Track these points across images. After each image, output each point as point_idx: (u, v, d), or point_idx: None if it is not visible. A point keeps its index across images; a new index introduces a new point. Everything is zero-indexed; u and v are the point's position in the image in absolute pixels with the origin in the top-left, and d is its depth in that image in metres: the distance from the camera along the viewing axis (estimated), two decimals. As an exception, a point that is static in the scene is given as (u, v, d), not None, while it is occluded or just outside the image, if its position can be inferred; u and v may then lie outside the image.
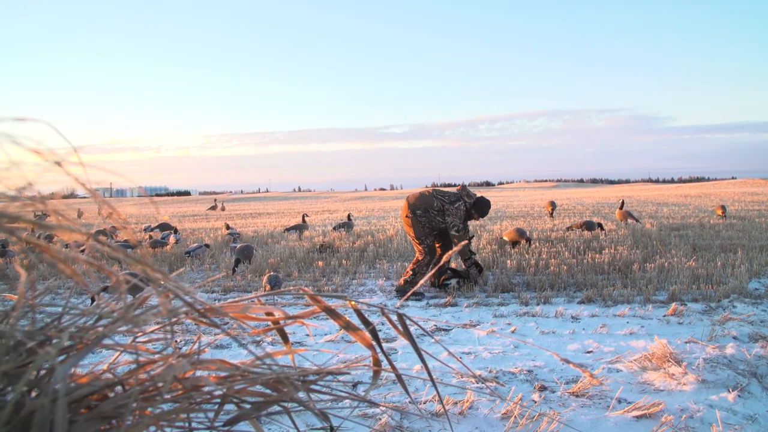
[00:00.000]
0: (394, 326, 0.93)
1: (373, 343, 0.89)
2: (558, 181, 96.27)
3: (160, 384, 0.70)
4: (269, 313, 0.86)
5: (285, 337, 0.89)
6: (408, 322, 0.90)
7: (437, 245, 5.90)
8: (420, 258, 5.71)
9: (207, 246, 8.73)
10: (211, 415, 0.82)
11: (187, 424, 0.82)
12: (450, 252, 1.18)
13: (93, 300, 4.66)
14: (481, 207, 5.80)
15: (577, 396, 2.89)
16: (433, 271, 2.00)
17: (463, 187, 5.86)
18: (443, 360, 3.32)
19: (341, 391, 0.89)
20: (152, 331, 0.87)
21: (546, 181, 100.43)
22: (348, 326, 0.89)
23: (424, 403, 2.83)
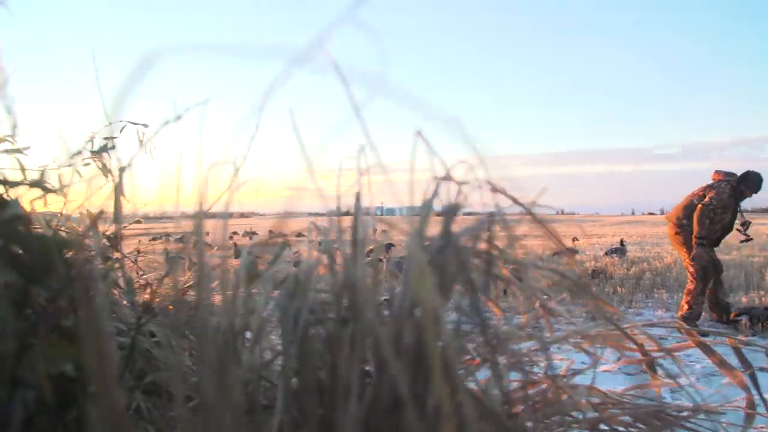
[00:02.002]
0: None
1: (750, 384, 0.86)
2: None
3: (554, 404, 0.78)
4: (639, 344, 0.89)
5: (654, 369, 0.91)
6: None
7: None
8: (691, 288, 5.10)
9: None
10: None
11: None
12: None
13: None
14: (752, 180, 5.00)
15: None
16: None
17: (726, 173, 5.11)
18: None
19: (707, 429, 0.87)
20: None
21: None
22: (722, 363, 0.87)
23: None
